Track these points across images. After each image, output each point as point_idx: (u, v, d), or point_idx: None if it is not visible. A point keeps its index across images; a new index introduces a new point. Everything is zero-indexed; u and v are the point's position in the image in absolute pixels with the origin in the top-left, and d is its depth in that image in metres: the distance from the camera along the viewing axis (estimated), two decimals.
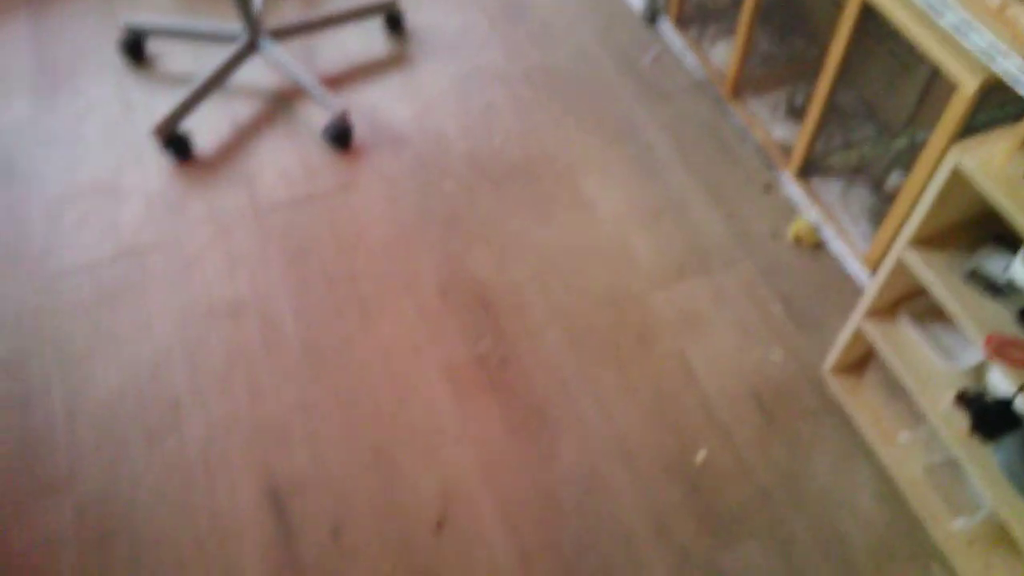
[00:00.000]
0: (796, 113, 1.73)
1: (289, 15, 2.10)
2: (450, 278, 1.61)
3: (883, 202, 1.55)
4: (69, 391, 1.50)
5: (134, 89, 1.95)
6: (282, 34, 1.89)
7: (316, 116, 1.88)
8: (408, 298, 1.59)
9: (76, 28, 2.10)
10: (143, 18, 1.95)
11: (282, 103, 1.91)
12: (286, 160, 1.81)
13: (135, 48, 1.98)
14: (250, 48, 1.86)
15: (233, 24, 1.91)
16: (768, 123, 1.74)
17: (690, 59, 1.92)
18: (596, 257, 1.63)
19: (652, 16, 2.01)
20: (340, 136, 1.79)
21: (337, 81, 1.95)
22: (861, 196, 1.60)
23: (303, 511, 1.36)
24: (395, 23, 2.02)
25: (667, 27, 1.98)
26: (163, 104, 1.91)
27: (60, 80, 1.99)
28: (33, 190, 1.78)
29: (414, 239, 1.67)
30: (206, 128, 1.87)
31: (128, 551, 1.33)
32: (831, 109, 1.54)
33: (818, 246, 1.62)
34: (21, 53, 2.05)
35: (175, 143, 1.78)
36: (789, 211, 1.68)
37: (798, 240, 1.62)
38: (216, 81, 1.81)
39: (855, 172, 1.63)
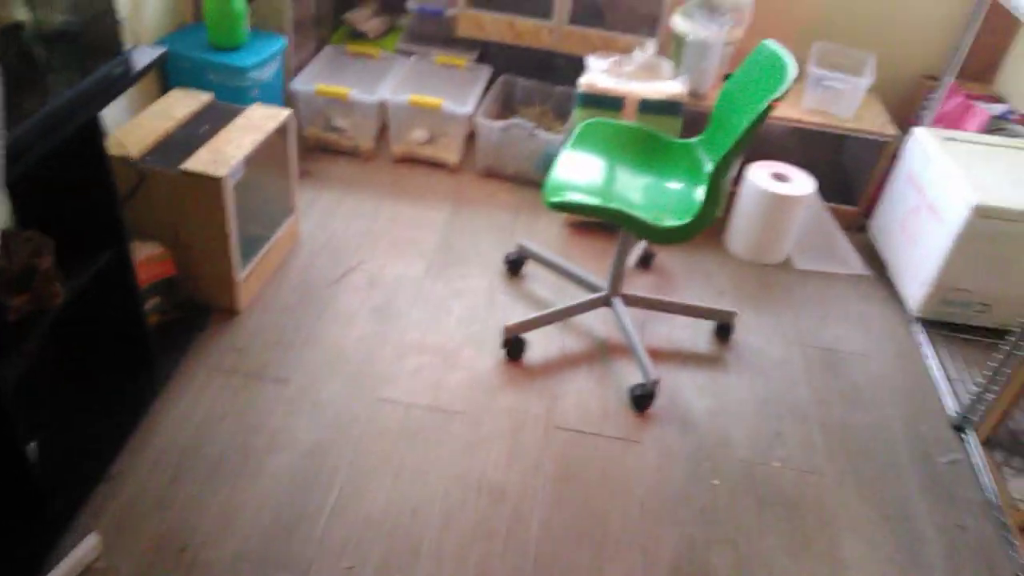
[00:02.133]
0: None
1: (639, 286, 2.45)
2: (686, 562, 1.71)
3: None
4: (345, 494, 1.77)
5: (501, 292, 2.37)
6: (632, 301, 2.23)
7: (628, 374, 2.14)
8: (642, 561, 1.70)
9: (481, 232, 2.62)
10: (533, 245, 2.40)
11: (606, 351, 2.21)
12: (588, 397, 2.07)
13: (516, 263, 2.43)
14: (603, 302, 2.21)
15: (597, 278, 2.28)
16: None
17: (986, 479, 1.94)
18: None
19: (961, 425, 2.08)
20: (643, 398, 2.02)
21: (655, 353, 2.21)
22: None
23: None
24: (725, 331, 2.29)
25: (972, 440, 2.03)
26: (518, 312, 2.29)
27: (452, 261, 2.47)
28: (395, 329, 2.20)
29: (667, 510, 1.81)
30: (540, 343, 2.20)
31: None
32: None
33: None
34: (435, 231, 2.59)
35: (514, 344, 2.13)
36: None
37: None
38: (568, 314, 2.17)
39: None
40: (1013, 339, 1.94)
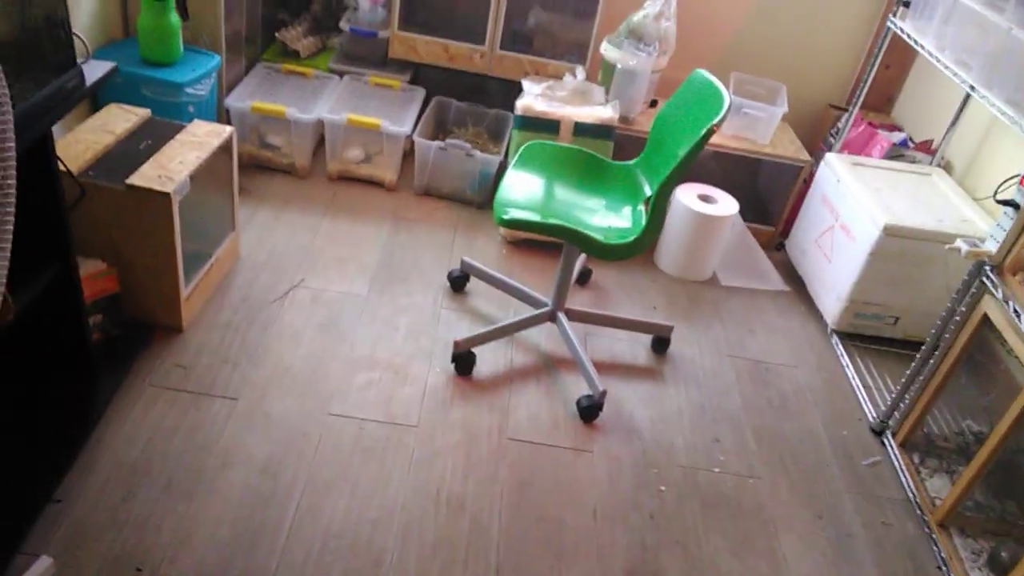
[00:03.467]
0: (997, 567, 1.84)
1: (579, 302, 2.54)
2: (640, 564, 1.78)
3: None
4: (303, 509, 1.77)
5: (445, 308, 2.41)
6: (575, 316, 2.31)
7: (574, 387, 2.22)
8: (599, 564, 1.76)
9: (421, 250, 2.65)
10: (477, 262, 2.45)
11: (552, 366, 2.28)
12: (538, 409, 2.13)
13: (460, 280, 2.47)
14: (549, 317, 2.28)
15: (540, 294, 2.35)
16: (969, 565, 1.85)
17: (905, 479, 2.10)
18: None
19: (880, 430, 2.24)
20: (591, 410, 2.10)
21: (597, 367, 2.29)
22: None
23: None
24: (662, 344, 2.39)
25: (891, 443, 2.19)
26: (463, 327, 2.34)
27: (395, 278, 2.49)
28: (343, 346, 2.20)
29: (619, 516, 1.88)
30: (488, 357, 2.25)
31: None
32: None
33: None
34: (377, 248, 2.61)
35: (463, 359, 2.17)
36: None
37: None
38: (516, 328, 2.23)
39: None
40: (925, 350, 2.12)
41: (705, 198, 2.73)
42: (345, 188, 2.90)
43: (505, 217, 2.00)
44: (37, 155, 1.59)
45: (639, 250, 2.01)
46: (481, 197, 2.90)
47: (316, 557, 1.67)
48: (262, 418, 1.96)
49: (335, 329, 2.26)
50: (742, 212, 2.88)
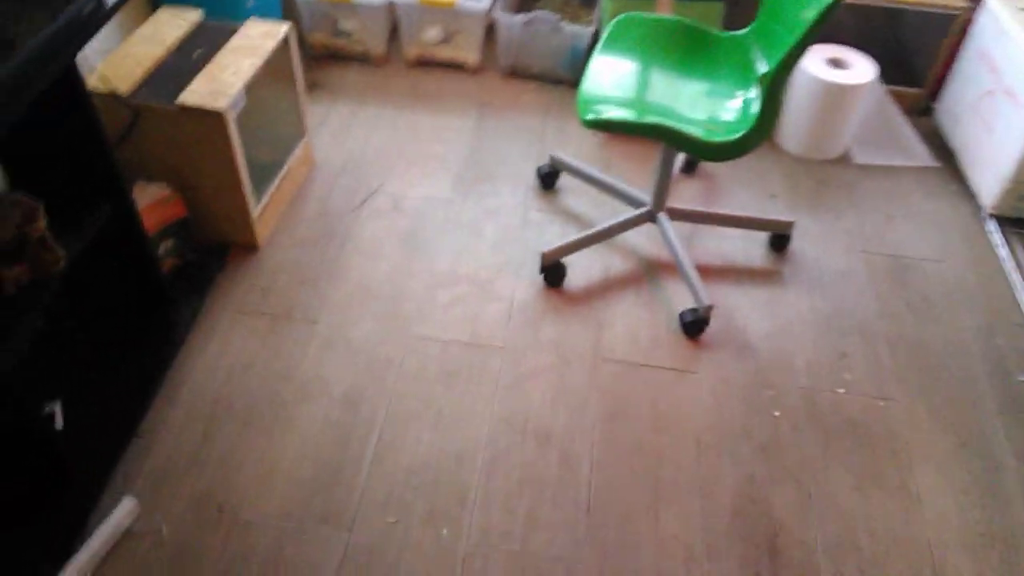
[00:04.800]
0: None
1: (685, 196, 2.26)
2: (747, 503, 1.61)
3: None
4: (385, 443, 1.68)
5: (535, 209, 2.20)
6: (678, 215, 2.05)
7: (678, 296, 1.99)
8: (700, 503, 1.60)
9: (509, 141, 2.42)
10: (568, 156, 2.21)
11: (653, 272, 2.06)
12: (637, 324, 1.93)
13: (550, 177, 2.24)
14: (648, 217, 2.03)
15: (640, 191, 2.10)
16: None
17: None
18: (904, 555, 1.54)
19: None
20: (696, 325, 1.88)
21: (706, 272, 2.05)
22: None
23: None
24: (781, 243, 2.11)
25: None
26: (554, 231, 2.13)
27: (481, 177, 2.29)
28: (426, 260, 2.05)
29: (725, 447, 1.70)
30: (582, 267, 2.05)
31: None
32: None
33: None
34: (459, 143, 2.40)
35: (554, 270, 1.98)
36: None
37: None
38: (610, 233, 2.00)
39: None
40: None
41: (835, 62, 2.32)
42: (425, 74, 2.66)
43: (590, 118, 1.73)
44: (65, 89, 1.45)
45: (752, 147, 1.71)
46: (574, 75, 2.60)
47: (398, 494, 1.60)
48: (342, 343, 1.86)
49: (416, 240, 2.11)
50: (882, 72, 2.46)
